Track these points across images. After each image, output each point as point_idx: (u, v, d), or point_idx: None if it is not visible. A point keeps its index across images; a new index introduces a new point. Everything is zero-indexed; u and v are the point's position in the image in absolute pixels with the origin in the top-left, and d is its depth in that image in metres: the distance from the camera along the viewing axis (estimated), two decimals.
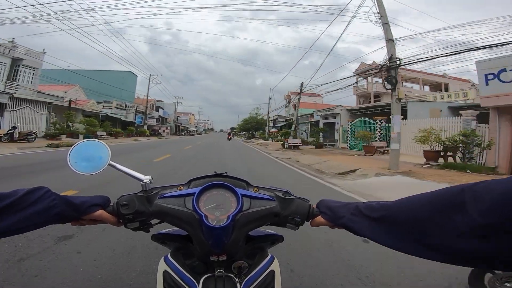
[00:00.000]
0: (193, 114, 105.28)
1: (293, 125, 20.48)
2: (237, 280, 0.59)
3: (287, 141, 19.20)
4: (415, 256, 0.44)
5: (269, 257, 0.68)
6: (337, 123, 22.40)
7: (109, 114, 29.91)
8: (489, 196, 0.34)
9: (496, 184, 0.35)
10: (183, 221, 0.57)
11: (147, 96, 39.07)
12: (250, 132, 52.74)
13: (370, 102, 29.67)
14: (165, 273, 0.63)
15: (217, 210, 0.57)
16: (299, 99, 20.39)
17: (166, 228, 0.71)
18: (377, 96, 32.25)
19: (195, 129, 68.26)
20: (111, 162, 0.66)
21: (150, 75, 39.92)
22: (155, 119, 40.03)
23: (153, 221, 0.63)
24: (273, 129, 41.42)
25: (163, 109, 53.54)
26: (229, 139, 37.79)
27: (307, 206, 0.62)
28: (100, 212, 0.57)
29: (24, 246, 2.21)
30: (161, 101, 64.54)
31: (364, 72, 31.12)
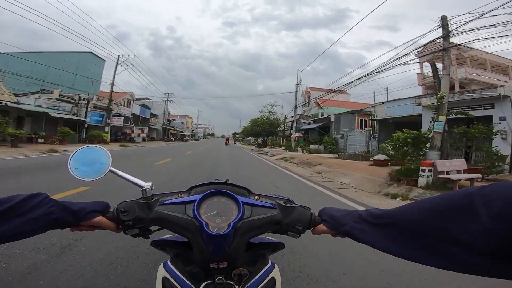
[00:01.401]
0: (191, 117, 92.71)
1: (437, 119, 6.78)
2: (237, 287, 0.58)
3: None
4: (422, 264, 0.41)
5: (269, 264, 0.67)
6: (505, 117, 9.11)
7: (13, 106, 16.86)
8: (500, 199, 0.32)
9: (505, 188, 0.33)
10: (183, 228, 0.57)
11: (112, 85, 26.29)
12: (262, 137, 38.78)
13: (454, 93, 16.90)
14: (164, 279, 0.62)
15: (218, 217, 0.56)
16: (444, 51, 6.82)
17: (166, 234, 0.70)
18: (461, 86, 20.55)
19: (189, 133, 55.33)
20: (112, 168, 0.66)
21: (118, 56, 27.33)
22: (123, 118, 26.92)
23: (153, 228, 0.62)
24: (297, 134, 28.22)
25: (149, 108, 40.84)
26: (227, 144, 36.23)
27: (308, 214, 0.61)
28: (99, 219, 0.57)
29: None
30: (148, 99, 51.96)
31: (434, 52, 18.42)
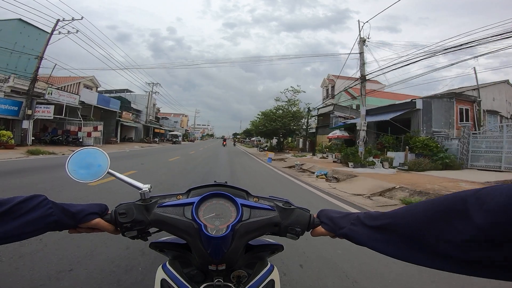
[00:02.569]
0: (186, 116, 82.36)
1: None
2: None
3: None
4: (416, 265, 0.42)
5: (268, 266, 0.67)
6: None
7: None
8: (493, 202, 0.32)
9: (500, 190, 0.33)
10: (181, 231, 0.56)
11: (40, 59, 15.95)
12: (278, 138, 26.50)
13: None
14: (163, 281, 0.62)
15: (217, 219, 0.56)
16: None
17: (165, 236, 0.69)
18: None
19: (179, 134, 44.71)
20: (110, 170, 0.66)
21: (57, 20, 16.98)
22: (52, 108, 16.29)
23: (151, 230, 0.62)
24: (337, 133, 17.87)
25: (124, 101, 30.83)
26: (224, 145, 36.33)
27: (307, 216, 0.60)
28: (98, 221, 0.57)
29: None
30: (130, 91, 41.52)
31: None
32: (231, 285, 0.58)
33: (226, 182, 0.67)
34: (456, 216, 0.36)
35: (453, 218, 0.36)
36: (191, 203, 0.57)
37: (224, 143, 39.15)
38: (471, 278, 0.38)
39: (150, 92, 39.88)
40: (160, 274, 0.64)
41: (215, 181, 0.67)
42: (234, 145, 49.40)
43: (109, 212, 0.59)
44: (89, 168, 0.65)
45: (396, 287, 1.96)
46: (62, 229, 0.53)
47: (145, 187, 0.62)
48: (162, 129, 42.80)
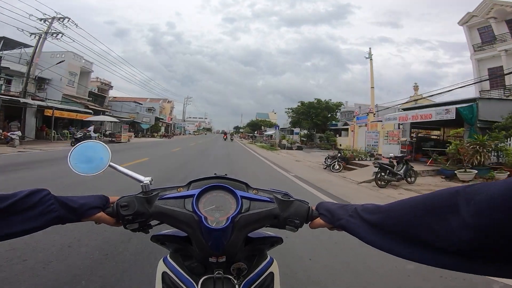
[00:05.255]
0: (169, 102, 60.92)
1: None
2: (236, 281, 0.58)
3: None
4: (409, 261, 0.42)
5: (268, 259, 0.68)
6: None
7: None
8: (481, 198, 0.33)
9: (489, 186, 0.33)
10: (182, 223, 0.57)
11: None
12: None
13: None
14: (164, 274, 0.63)
15: (217, 211, 0.57)
16: None
17: (166, 229, 0.70)
18: None
19: (141, 121, 23.53)
20: (111, 164, 0.66)
21: None
22: None
23: (153, 222, 0.63)
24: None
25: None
26: (225, 139, 36.12)
27: (306, 208, 0.61)
28: (100, 215, 0.57)
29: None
30: (24, 46, 20.31)
31: None
32: (231, 277, 0.58)
33: (226, 174, 0.67)
34: (447, 211, 0.36)
35: (444, 213, 0.36)
36: (192, 195, 0.57)
37: (225, 136, 39.00)
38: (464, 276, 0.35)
39: (41, 36, 18.70)
40: (161, 267, 0.64)
41: (215, 174, 0.66)
42: (232, 139, 38.00)
43: (111, 204, 0.59)
44: (91, 162, 0.66)
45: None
46: (64, 223, 0.53)
47: (146, 179, 0.62)
48: (83, 112, 21.62)
